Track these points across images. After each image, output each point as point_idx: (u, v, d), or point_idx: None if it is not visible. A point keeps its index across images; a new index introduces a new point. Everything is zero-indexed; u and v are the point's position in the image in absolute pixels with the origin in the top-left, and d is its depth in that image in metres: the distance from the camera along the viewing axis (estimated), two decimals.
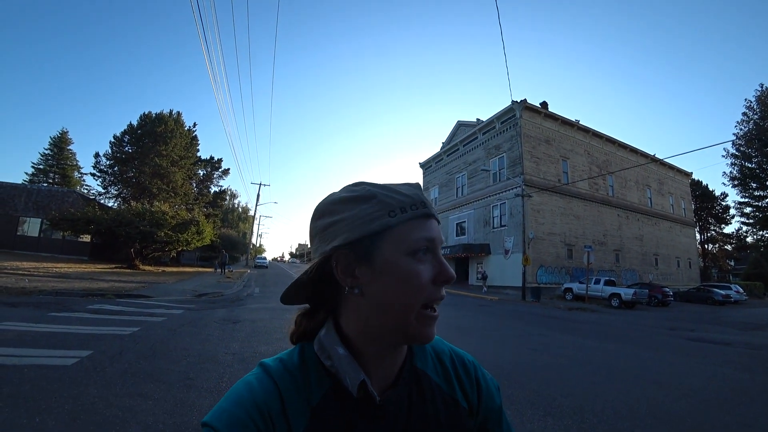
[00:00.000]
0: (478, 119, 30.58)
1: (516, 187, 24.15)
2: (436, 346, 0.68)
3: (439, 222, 0.58)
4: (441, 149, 35.53)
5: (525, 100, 25.41)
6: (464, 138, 31.54)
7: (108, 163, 31.67)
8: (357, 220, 0.54)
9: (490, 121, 27.99)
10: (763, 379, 5.81)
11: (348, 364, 0.55)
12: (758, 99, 18.16)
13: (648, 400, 4.38)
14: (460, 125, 33.52)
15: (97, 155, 31.54)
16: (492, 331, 9.25)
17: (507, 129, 26.63)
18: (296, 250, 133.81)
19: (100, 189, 32.44)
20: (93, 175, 31.90)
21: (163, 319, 7.55)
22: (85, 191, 34.81)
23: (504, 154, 26.71)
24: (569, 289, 22.01)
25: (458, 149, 32.54)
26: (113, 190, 32.40)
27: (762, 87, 18.07)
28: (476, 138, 30.01)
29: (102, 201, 30.85)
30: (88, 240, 25.01)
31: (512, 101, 24.57)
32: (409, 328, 0.53)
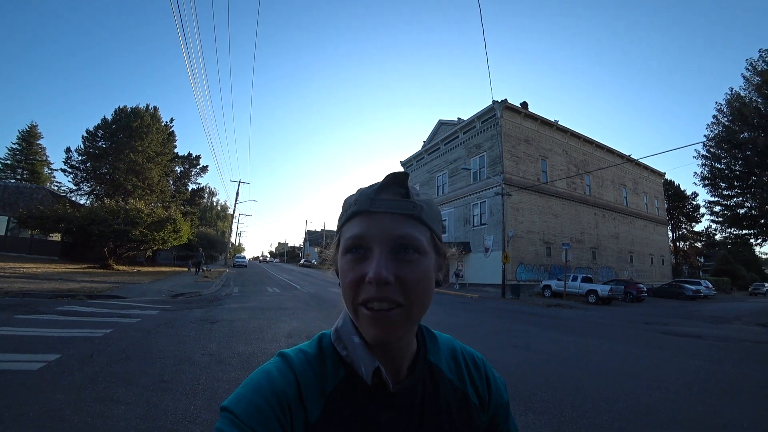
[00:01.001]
0: (459, 118, 30.76)
1: (496, 186, 24.40)
2: (448, 344, 0.70)
3: (402, 212, 0.54)
4: (422, 148, 35.60)
5: (506, 100, 25.68)
6: (445, 137, 31.68)
7: (80, 158, 30.45)
8: (337, 222, 0.60)
9: (471, 120, 28.20)
10: (733, 370, 6.01)
11: (363, 352, 0.56)
12: (728, 102, 18.74)
13: (625, 393, 4.46)
14: (442, 124, 33.65)
15: (68, 150, 30.30)
16: (473, 328, 9.31)
17: (488, 128, 26.86)
18: (276, 249, 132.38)
19: (72, 186, 31.16)
20: (64, 171, 30.63)
21: (138, 320, 7.31)
22: (56, 188, 33.61)
23: (484, 153, 26.94)
24: (548, 286, 22.42)
25: (439, 148, 32.67)
26: (86, 187, 31.22)
27: (732, 90, 18.68)
28: (457, 137, 30.19)
29: (73, 198, 29.76)
30: (59, 239, 24.14)
31: (493, 101, 24.79)
32: (358, 325, 0.55)
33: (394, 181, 0.55)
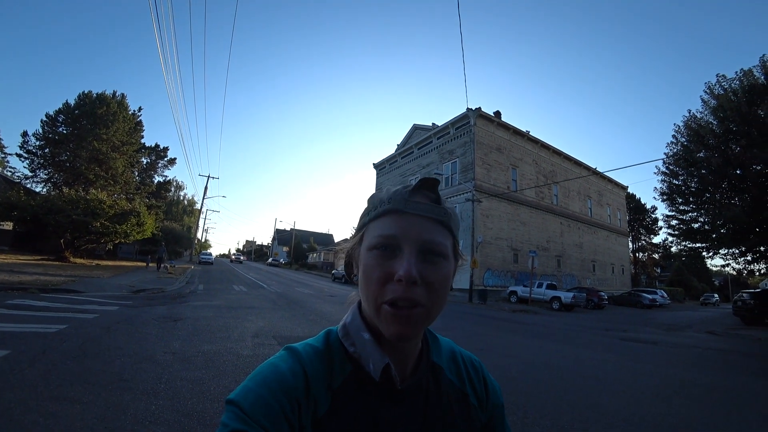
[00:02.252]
0: (433, 123, 31.16)
1: (467, 192, 24.82)
2: (447, 346, 0.72)
3: (427, 216, 0.56)
4: (396, 151, 35.81)
5: (480, 108, 26.19)
6: (419, 141, 32.01)
7: (38, 143, 28.63)
8: (361, 217, 0.62)
9: (445, 126, 28.61)
10: (684, 374, 6.33)
11: (373, 349, 0.57)
12: (686, 124, 19.80)
13: (586, 396, 4.62)
14: (416, 128, 33.96)
15: (25, 134, 28.40)
16: (440, 331, 9.32)
17: (461, 135, 27.31)
18: (243, 247, 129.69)
19: (27, 172, 29.23)
20: (19, 156, 28.71)
21: (96, 316, 6.98)
22: (9, 173, 31.60)
23: (457, 159, 27.38)
24: (514, 292, 22.95)
25: (413, 152, 32.96)
26: (43, 174, 29.42)
27: (690, 113, 19.74)
28: (431, 142, 30.54)
29: (29, 185, 28.12)
30: (10, 228, 22.78)
31: (467, 108, 25.25)
32: (377, 321, 0.55)
33: (425, 185, 0.57)
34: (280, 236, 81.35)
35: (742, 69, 17.29)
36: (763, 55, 16.54)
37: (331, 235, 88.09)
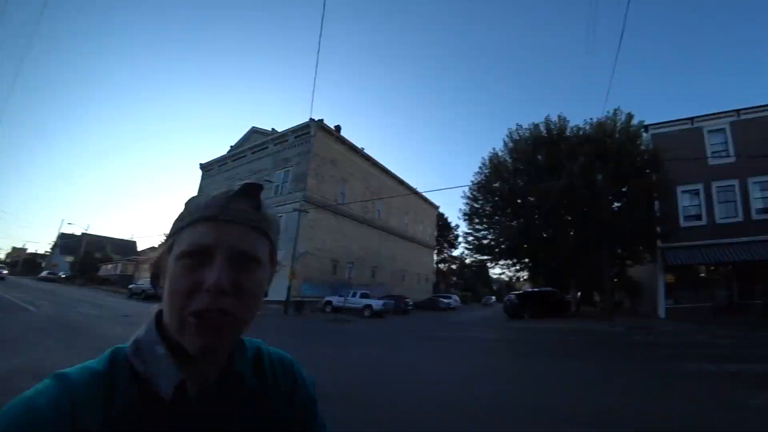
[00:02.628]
0: (273, 129, 30.43)
1: (295, 202, 24.71)
2: (254, 349, 0.68)
3: (249, 223, 0.55)
4: (228, 152, 33.63)
5: (322, 120, 26.74)
6: (255, 145, 30.81)
7: None
8: (174, 223, 0.56)
9: (285, 133, 28.25)
10: (477, 360, 7.53)
11: (166, 365, 0.51)
12: (489, 159, 24.38)
13: (404, 392, 4.94)
14: (254, 131, 32.66)
15: None
16: None
17: (299, 144, 27.29)
18: (7, 256, 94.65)
19: None
20: None
21: None
22: None
23: (291, 168, 27.17)
24: (329, 302, 23.92)
25: (246, 156, 31.47)
26: None
27: (493, 150, 24.72)
28: (267, 147, 29.69)
29: None
30: None
31: (310, 119, 25.34)
32: (180, 335, 0.51)
33: (247, 191, 0.55)
34: (66, 243, 61.51)
35: (533, 123, 23.22)
36: (547, 115, 22.99)
37: (134, 242, 72.76)
